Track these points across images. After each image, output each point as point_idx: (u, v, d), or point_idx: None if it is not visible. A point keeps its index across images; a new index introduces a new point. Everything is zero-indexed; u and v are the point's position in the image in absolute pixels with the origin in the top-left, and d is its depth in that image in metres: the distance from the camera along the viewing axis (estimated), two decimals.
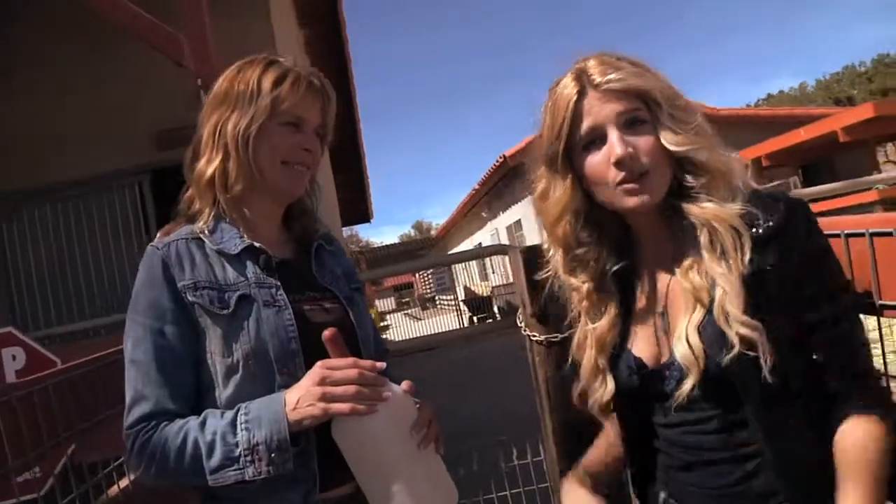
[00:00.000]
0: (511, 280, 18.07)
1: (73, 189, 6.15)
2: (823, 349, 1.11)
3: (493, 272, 21.44)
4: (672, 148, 1.20)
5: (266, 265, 1.39)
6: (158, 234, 1.41)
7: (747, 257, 1.12)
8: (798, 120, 15.95)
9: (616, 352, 1.32)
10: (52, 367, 2.12)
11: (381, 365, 1.28)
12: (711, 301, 1.15)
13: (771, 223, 1.12)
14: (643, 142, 1.21)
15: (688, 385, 1.17)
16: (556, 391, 2.40)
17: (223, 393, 1.30)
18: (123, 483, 1.81)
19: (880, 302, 1.17)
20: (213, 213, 1.41)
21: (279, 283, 1.38)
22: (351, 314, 1.45)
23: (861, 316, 1.16)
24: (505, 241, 19.96)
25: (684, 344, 1.16)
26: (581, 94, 1.23)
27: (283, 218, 1.52)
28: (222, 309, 1.31)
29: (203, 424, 1.25)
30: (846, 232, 1.14)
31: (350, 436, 1.26)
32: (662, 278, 1.28)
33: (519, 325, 2.55)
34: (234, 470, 1.22)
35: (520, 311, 2.56)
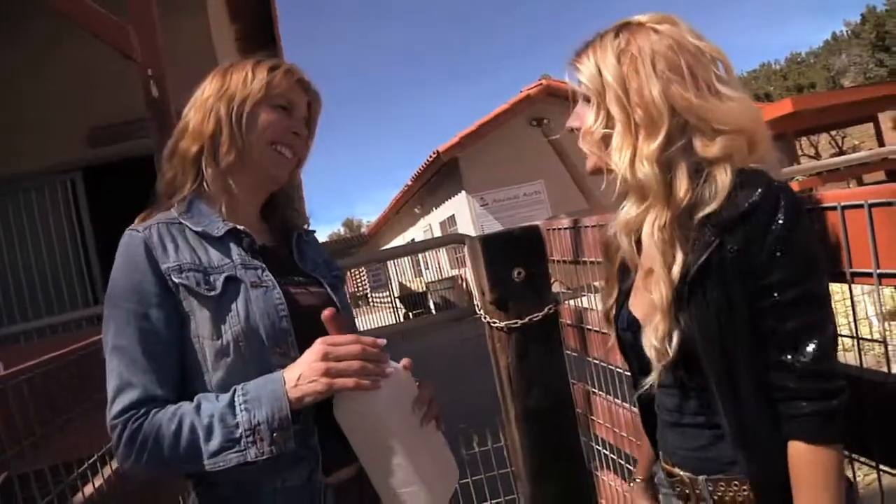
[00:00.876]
0: (445, 275, 18.18)
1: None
2: (778, 339, 1.10)
3: (427, 268, 21.47)
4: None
5: (250, 247, 1.38)
6: (136, 221, 1.38)
7: (696, 266, 1.13)
8: None
9: (620, 305, 1.38)
10: None
11: (382, 341, 1.28)
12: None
13: (745, 206, 1.10)
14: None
15: (653, 376, 1.23)
16: (518, 377, 2.43)
17: (213, 377, 1.27)
18: (88, 489, 1.75)
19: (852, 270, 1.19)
20: (192, 190, 1.39)
21: (264, 266, 1.36)
22: (336, 300, 1.44)
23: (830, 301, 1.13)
24: (439, 236, 20.00)
25: (650, 342, 1.20)
26: None
27: (263, 207, 1.51)
28: (209, 291, 1.29)
29: (198, 408, 1.22)
30: (842, 204, 1.17)
31: (353, 414, 1.25)
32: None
33: (478, 312, 2.58)
34: (236, 452, 1.20)
35: (478, 298, 2.59)
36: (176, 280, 1.29)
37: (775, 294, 1.10)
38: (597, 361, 2.28)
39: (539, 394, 2.43)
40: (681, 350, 1.16)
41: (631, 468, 2.24)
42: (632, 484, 1.64)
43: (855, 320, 1.30)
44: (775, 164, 1.22)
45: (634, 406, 1.61)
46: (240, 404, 1.22)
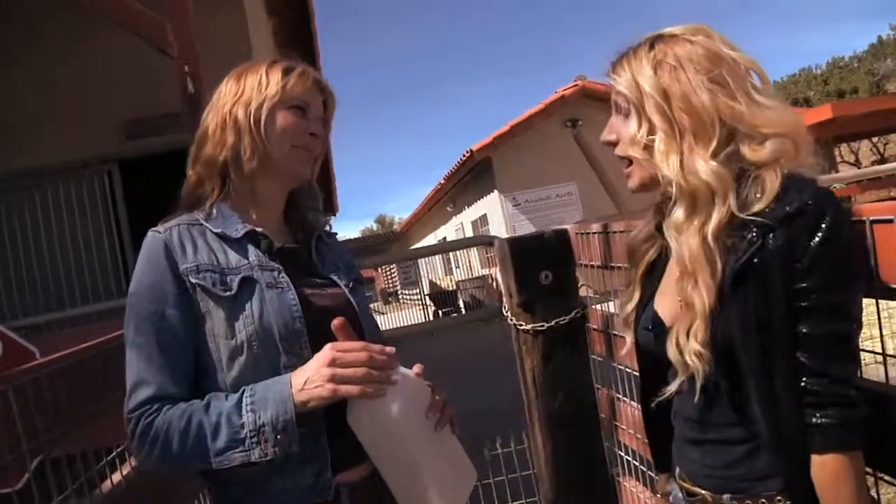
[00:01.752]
0: (476, 274, 18.17)
1: (33, 178, 6.05)
2: (807, 345, 1.10)
3: (458, 266, 21.49)
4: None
5: (268, 249, 1.40)
6: (160, 222, 1.42)
7: (739, 265, 1.13)
8: None
9: (644, 306, 1.38)
10: (32, 359, 2.09)
11: (391, 349, 1.29)
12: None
13: (792, 208, 1.10)
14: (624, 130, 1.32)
15: (674, 385, 1.24)
16: (542, 380, 2.43)
17: (227, 375, 1.30)
18: (116, 476, 1.79)
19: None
20: (218, 196, 1.43)
21: (281, 267, 1.39)
22: (354, 303, 1.46)
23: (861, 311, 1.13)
24: (470, 235, 20.00)
25: (674, 345, 1.20)
26: None
27: (285, 207, 1.53)
28: (225, 291, 1.32)
29: (207, 407, 1.26)
30: (871, 218, 1.15)
31: (365, 421, 1.27)
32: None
33: (505, 314, 2.58)
34: (240, 451, 1.23)
35: (505, 300, 2.59)
36: (193, 280, 1.32)
37: (811, 298, 1.10)
38: (623, 367, 2.27)
39: (563, 397, 2.42)
40: (717, 353, 1.15)
41: (654, 476, 2.23)
42: (655, 498, 1.63)
43: (881, 335, 1.28)
44: (817, 169, 1.21)
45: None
46: (246, 405, 1.25)
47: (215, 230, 1.39)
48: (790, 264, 1.10)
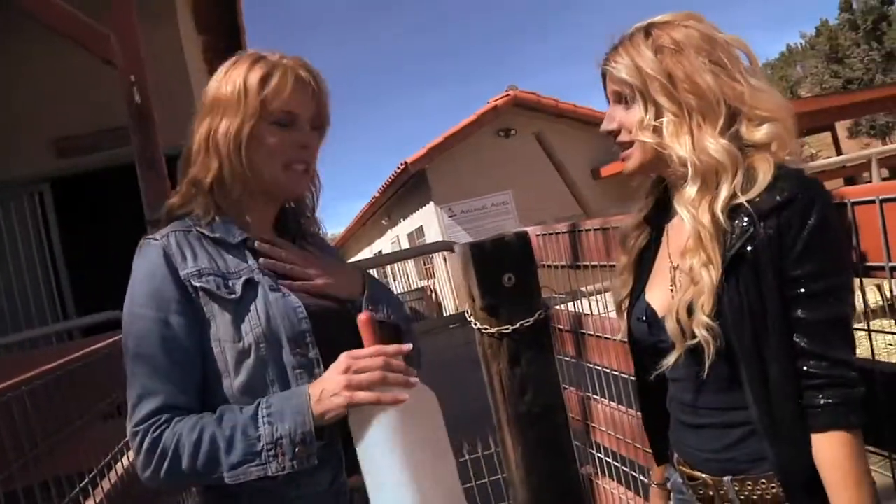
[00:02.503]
0: (414, 286, 18.12)
1: None
2: (804, 330, 1.14)
3: (395, 280, 21.42)
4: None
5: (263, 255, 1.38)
6: (151, 232, 1.37)
7: (733, 252, 1.16)
8: None
9: (636, 297, 1.40)
10: None
11: (407, 347, 1.27)
12: None
13: (782, 197, 1.13)
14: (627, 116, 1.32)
15: (671, 358, 1.25)
16: (509, 382, 2.43)
17: (235, 381, 1.26)
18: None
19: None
20: (211, 212, 1.37)
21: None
22: (350, 305, 1.42)
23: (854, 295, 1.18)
24: (407, 247, 19.94)
25: (674, 320, 1.22)
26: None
27: (277, 216, 1.49)
28: (229, 294, 1.28)
29: (220, 419, 1.21)
30: (852, 200, 1.20)
31: (364, 427, 1.23)
32: (680, 236, 1.31)
33: (468, 319, 2.58)
34: (257, 465, 1.19)
35: (468, 305, 2.59)
36: (196, 284, 1.28)
37: (806, 285, 1.13)
38: (595, 366, 2.29)
39: (531, 399, 2.42)
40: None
41: (634, 474, 2.25)
42: (651, 487, 1.64)
43: (867, 312, 1.33)
44: (799, 157, 1.26)
45: (633, 408, 1.62)
46: (263, 417, 1.21)
47: (212, 235, 1.35)
48: (781, 252, 1.14)
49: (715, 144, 1.20)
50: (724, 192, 1.19)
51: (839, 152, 18.89)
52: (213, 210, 1.37)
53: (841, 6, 39.93)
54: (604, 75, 1.37)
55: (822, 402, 1.13)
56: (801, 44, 48.73)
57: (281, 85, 1.34)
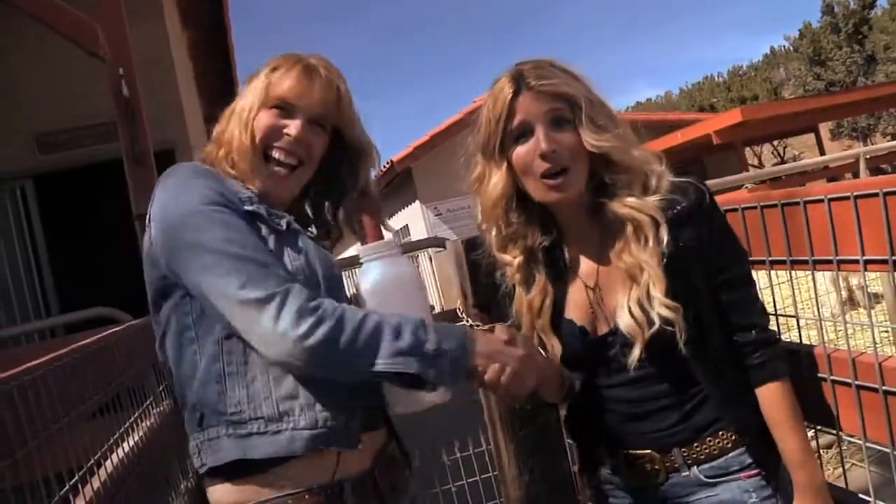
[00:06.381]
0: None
1: None
2: (734, 308, 1.40)
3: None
4: (591, 147, 1.38)
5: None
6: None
7: (665, 243, 1.34)
8: (669, 124, 16.80)
9: (556, 320, 1.49)
10: None
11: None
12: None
13: (685, 205, 1.36)
14: (566, 139, 1.39)
15: (636, 352, 1.37)
16: None
17: None
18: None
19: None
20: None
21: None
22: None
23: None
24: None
25: (628, 316, 1.36)
26: (516, 93, 1.41)
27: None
28: (278, 224, 1.32)
29: (375, 314, 1.23)
30: (743, 206, 1.59)
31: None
32: (590, 257, 1.48)
33: (460, 315, 2.56)
34: (419, 361, 1.19)
35: (460, 303, 2.57)
36: (247, 207, 1.29)
37: (729, 271, 1.40)
38: None
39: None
40: (660, 325, 1.33)
41: None
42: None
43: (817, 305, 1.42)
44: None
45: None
46: (429, 326, 1.23)
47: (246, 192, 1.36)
48: (701, 250, 1.37)
49: (643, 151, 1.47)
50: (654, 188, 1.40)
51: (822, 153, 19.05)
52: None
53: (823, 10, 40.24)
54: None
55: (756, 361, 1.39)
56: (784, 46, 49.18)
57: (284, 74, 1.37)
